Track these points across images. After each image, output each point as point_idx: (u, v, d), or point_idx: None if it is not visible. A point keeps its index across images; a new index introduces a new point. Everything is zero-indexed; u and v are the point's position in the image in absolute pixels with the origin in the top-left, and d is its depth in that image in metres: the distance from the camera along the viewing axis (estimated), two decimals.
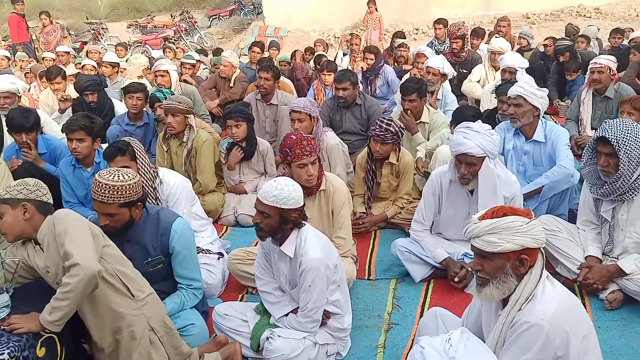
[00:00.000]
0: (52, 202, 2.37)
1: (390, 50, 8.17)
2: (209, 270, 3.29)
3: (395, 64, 7.63)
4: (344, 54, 7.91)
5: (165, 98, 4.54)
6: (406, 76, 5.99)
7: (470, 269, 2.18)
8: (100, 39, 15.51)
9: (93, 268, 2.04)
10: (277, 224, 2.44)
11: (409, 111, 4.44)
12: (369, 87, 6.82)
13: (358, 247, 3.58)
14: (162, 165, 4.41)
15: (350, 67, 7.44)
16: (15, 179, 3.99)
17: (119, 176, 2.45)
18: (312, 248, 2.47)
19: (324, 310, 2.58)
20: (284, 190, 2.40)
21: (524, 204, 3.29)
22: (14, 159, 4.13)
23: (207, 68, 8.43)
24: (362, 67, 6.73)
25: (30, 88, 6.96)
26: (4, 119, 4.44)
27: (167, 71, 5.70)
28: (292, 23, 14.66)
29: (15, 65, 8.49)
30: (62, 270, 2.14)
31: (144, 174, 3.34)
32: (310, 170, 3.04)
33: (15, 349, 1.90)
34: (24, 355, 1.93)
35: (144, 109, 5.00)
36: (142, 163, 3.37)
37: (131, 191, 2.46)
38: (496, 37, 7.39)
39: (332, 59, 7.80)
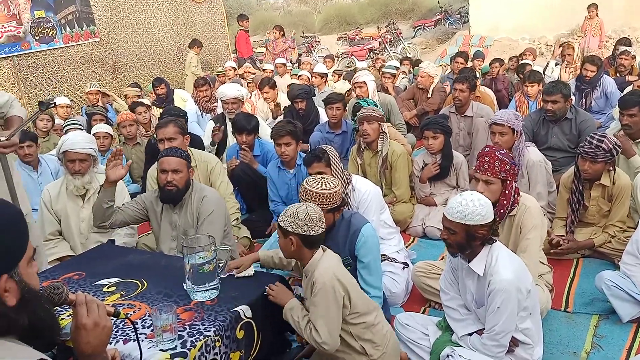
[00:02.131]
0: (320, 234, 2.30)
1: (612, 59, 7.33)
2: (393, 278, 3.32)
3: (617, 74, 6.81)
4: (556, 64, 7.30)
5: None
6: (628, 88, 5.31)
7: None
8: (313, 51, 16.71)
9: (334, 347, 2.24)
10: (464, 240, 2.35)
11: (628, 127, 3.93)
12: (584, 100, 6.19)
13: (555, 275, 3.27)
14: None
15: (562, 78, 6.86)
16: (232, 177, 4.59)
17: (324, 184, 2.60)
18: (504, 268, 2.33)
19: (512, 337, 2.42)
20: (468, 206, 2.30)
21: None
22: (233, 159, 4.70)
23: (405, 77, 8.53)
24: (572, 75, 6.15)
25: (251, 96, 7.86)
26: (229, 122, 5.08)
27: (364, 82, 5.94)
28: (499, 31, 14.02)
29: (241, 76, 9.66)
30: None
31: (339, 180, 3.51)
32: (479, 186, 2.88)
33: (220, 328, 2.13)
34: (226, 335, 2.16)
35: (343, 118, 5.25)
36: (336, 170, 3.55)
37: (336, 198, 2.60)
38: None
39: (542, 69, 7.31)
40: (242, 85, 6.44)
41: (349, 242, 2.75)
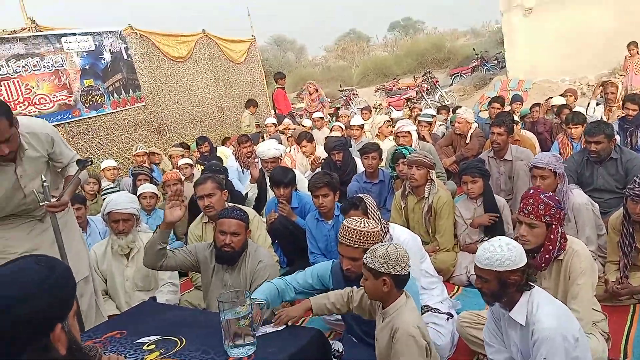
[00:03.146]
0: (409, 273, 2.33)
1: None
2: (438, 330, 3.20)
3: None
4: (597, 104, 7.15)
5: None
6: None
7: None
8: (351, 104, 17.00)
9: None
10: (497, 288, 2.27)
11: None
12: (629, 139, 6.01)
13: (611, 322, 3.08)
14: (397, 221, 4.56)
15: (605, 118, 6.72)
16: (271, 231, 4.63)
17: (365, 223, 2.61)
18: (546, 315, 2.22)
19: None
20: (496, 252, 2.23)
21: None
22: (272, 213, 4.75)
23: (442, 124, 8.52)
24: (617, 116, 6.01)
25: (290, 150, 8.01)
26: (267, 178, 5.18)
27: (409, 132, 5.97)
28: (537, 74, 13.92)
29: (281, 132, 9.91)
30: None
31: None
32: (522, 229, 2.79)
33: None
34: None
35: (380, 167, 5.26)
36: (374, 218, 3.53)
37: (375, 238, 2.59)
38: None
39: (584, 109, 7.17)
40: (281, 140, 6.58)
41: None
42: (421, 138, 7.24)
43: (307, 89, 11.42)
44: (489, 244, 2.31)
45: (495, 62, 18.42)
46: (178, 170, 6.18)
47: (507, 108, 8.48)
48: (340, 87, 20.17)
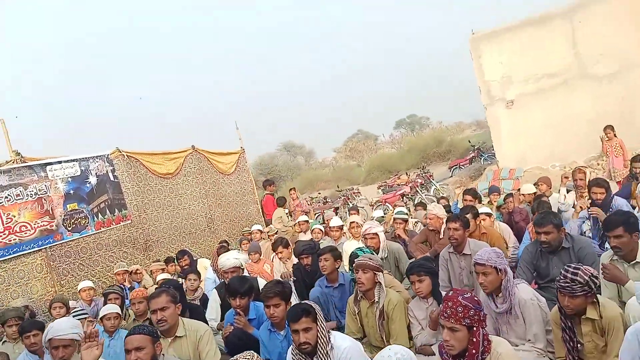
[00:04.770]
0: None
1: (631, 176, 7.15)
2: None
3: None
4: (568, 190, 7.18)
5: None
6: None
7: None
8: (350, 203, 17.18)
9: None
10: None
11: (618, 249, 3.73)
12: (600, 224, 5.95)
13: None
14: (352, 327, 4.49)
15: (577, 204, 6.70)
16: (227, 343, 4.57)
17: None
18: None
19: None
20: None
21: None
22: (228, 326, 4.71)
23: (419, 221, 8.54)
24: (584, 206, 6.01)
25: (273, 257, 8.04)
26: None
27: (376, 234, 6.02)
28: (527, 162, 14.11)
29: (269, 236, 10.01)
30: None
31: (321, 337, 3.44)
32: (444, 334, 2.74)
33: None
34: None
35: (339, 269, 5.24)
36: (321, 326, 3.49)
37: None
38: None
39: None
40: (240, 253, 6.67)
41: None
42: (396, 235, 7.27)
43: (290, 196, 11.80)
44: (380, 356, 2.29)
45: (492, 153, 18.75)
46: (146, 289, 6.21)
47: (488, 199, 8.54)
48: (338, 187, 20.52)
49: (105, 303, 6.03)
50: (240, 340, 4.59)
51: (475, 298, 2.97)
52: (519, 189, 8.81)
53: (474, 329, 2.83)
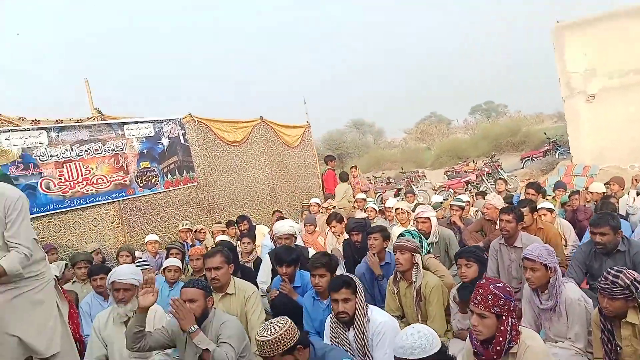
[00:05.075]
0: None
1: None
2: None
3: None
4: (638, 193, 6.84)
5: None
6: None
7: None
8: (413, 186, 17.06)
9: None
10: None
11: None
12: None
13: None
14: (392, 305, 4.59)
15: None
16: (272, 308, 4.82)
17: (269, 330, 2.74)
18: None
19: None
20: (408, 340, 2.30)
21: None
22: (274, 290, 4.95)
23: (479, 210, 8.41)
24: None
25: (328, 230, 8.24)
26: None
27: (428, 218, 6.05)
28: (605, 160, 13.39)
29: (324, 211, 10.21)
30: None
31: (359, 309, 3.59)
32: (473, 319, 2.78)
33: None
34: None
35: (385, 248, 5.33)
36: (360, 299, 3.64)
37: (284, 340, 2.70)
38: None
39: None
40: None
41: None
42: (451, 222, 7.26)
43: (351, 173, 11.94)
44: (403, 332, 2.38)
45: (568, 147, 17.93)
46: (207, 248, 6.57)
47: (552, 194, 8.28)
48: (402, 169, 20.36)
49: (167, 257, 6.48)
50: (285, 305, 4.81)
51: (508, 288, 2.99)
52: (587, 187, 8.47)
53: (503, 317, 2.86)
